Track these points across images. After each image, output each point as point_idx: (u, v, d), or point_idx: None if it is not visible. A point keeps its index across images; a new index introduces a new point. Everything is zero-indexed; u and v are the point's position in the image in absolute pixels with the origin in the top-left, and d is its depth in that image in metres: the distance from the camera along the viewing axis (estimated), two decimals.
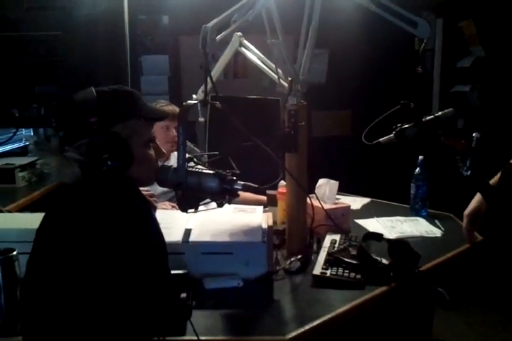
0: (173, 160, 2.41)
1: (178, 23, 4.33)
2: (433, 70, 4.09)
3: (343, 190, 2.61)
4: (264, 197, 2.25)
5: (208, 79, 1.38)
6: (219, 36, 1.47)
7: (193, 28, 2.11)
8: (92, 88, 1.23)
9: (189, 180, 1.32)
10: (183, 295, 1.41)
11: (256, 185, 1.35)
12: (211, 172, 1.34)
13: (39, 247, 1.20)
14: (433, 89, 4.13)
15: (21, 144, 3.73)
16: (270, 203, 2.18)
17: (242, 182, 1.34)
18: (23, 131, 3.84)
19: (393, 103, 1.94)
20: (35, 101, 1.44)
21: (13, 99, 1.47)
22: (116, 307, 1.12)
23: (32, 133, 3.89)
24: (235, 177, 1.34)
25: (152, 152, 1.30)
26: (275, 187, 2.10)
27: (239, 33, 2.22)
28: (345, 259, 1.68)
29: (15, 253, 1.43)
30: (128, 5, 3.85)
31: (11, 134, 3.24)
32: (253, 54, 2.19)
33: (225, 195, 1.34)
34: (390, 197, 2.63)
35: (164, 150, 2.02)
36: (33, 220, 1.27)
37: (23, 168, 2.99)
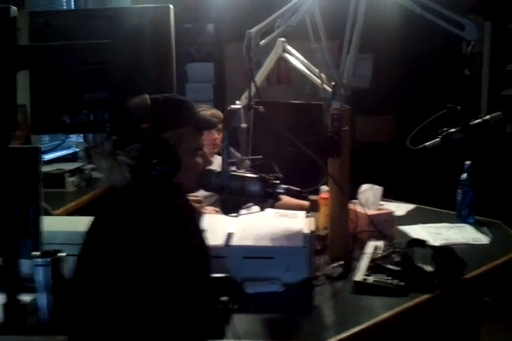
0: (215, 164, 2.45)
1: (222, 31, 4.40)
2: (481, 73, 3.99)
3: (387, 196, 2.58)
4: (307, 202, 2.25)
5: (252, 85, 1.39)
6: (263, 41, 1.49)
7: (237, 36, 2.14)
8: (146, 95, 1.27)
9: (232, 184, 1.34)
10: (224, 298, 1.42)
11: (298, 189, 1.35)
12: (254, 176, 1.35)
13: (87, 249, 1.24)
14: (481, 92, 4.02)
15: (71, 150, 3.87)
16: (312, 208, 2.17)
17: (284, 186, 1.34)
18: (73, 138, 3.98)
19: (439, 107, 1.91)
20: (85, 107, 1.49)
21: (64, 106, 1.53)
22: (159, 311, 1.14)
23: (82, 140, 4.03)
24: (277, 181, 1.34)
25: (200, 160, 1.32)
26: (317, 192, 2.09)
27: (282, 39, 2.23)
28: (388, 266, 1.66)
29: (63, 254, 1.48)
30: (174, 13, 3.95)
31: (60, 141, 3.38)
32: (296, 59, 2.19)
33: (267, 199, 1.35)
34: (436, 203, 2.57)
35: (207, 152, 2.05)
36: (80, 223, 1.31)
37: (72, 172, 3.09)
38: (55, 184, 3.01)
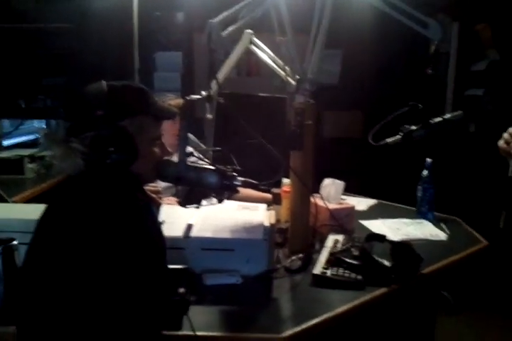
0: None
1: (192, 20, 4.34)
2: (447, 73, 4.06)
3: (351, 190, 2.60)
4: (270, 195, 2.24)
5: (214, 76, 1.37)
6: (225, 32, 1.47)
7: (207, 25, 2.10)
8: (103, 82, 1.24)
9: (189, 175, 1.32)
10: (182, 290, 1.41)
11: (256, 182, 1.35)
12: (211, 167, 1.33)
13: (38, 238, 1.20)
14: (447, 92, 4.09)
15: (32, 137, 3.77)
16: (275, 201, 2.17)
17: (241, 179, 1.34)
18: (36, 123, 3.88)
19: (407, 105, 1.93)
20: (42, 92, 1.44)
21: (21, 90, 1.47)
22: (112, 301, 1.12)
23: (45, 126, 3.93)
24: (235, 174, 1.33)
25: (157, 149, 1.30)
26: (279, 185, 2.09)
27: (249, 31, 2.21)
28: (347, 259, 1.67)
29: (15, 242, 1.44)
30: (143, 1, 3.88)
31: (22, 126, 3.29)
32: (263, 52, 2.18)
33: (224, 191, 1.34)
34: (397, 199, 2.61)
35: (170, 143, 2.02)
36: (36, 211, 1.28)
37: (32, 159, 3.01)
38: (13, 170, 2.94)
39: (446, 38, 4.29)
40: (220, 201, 1.38)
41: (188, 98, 1.35)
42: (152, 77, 4.63)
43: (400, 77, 4.24)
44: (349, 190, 2.58)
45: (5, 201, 2.11)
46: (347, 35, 4.13)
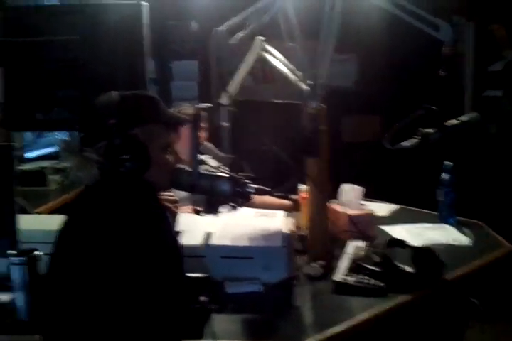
0: None
1: (206, 29, 4.37)
2: (464, 74, 4.02)
3: (371, 196, 2.57)
4: (289, 202, 2.24)
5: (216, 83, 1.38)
6: (232, 40, 1.47)
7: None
8: (114, 92, 1.25)
9: (202, 183, 1.33)
10: (203, 298, 1.41)
11: (268, 189, 1.35)
12: (224, 175, 1.34)
13: (58, 247, 1.22)
14: (465, 93, 4.04)
15: (55, 148, 3.82)
16: (295, 208, 2.16)
17: (254, 186, 1.33)
18: (58, 135, 3.93)
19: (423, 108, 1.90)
20: (58, 104, 1.47)
21: (37, 102, 1.50)
22: (133, 309, 1.13)
23: (66, 138, 3.98)
24: (248, 181, 1.33)
25: (170, 157, 1.31)
26: (296, 192, 2.08)
27: (261, 37, 2.21)
28: (368, 266, 1.65)
29: (38, 253, 1.46)
30: (157, 11, 3.92)
31: (44, 138, 3.34)
32: (275, 59, 2.17)
33: (238, 198, 1.34)
34: (419, 203, 2.57)
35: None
36: (58, 222, 1.29)
37: (54, 170, 3.04)
38: (36, 182, 2.96)
39: (461, 38, 4.26)
40: (234, 208, 1.38)
41: (196, 107, 1.36)
42: (169, 86, 4.69)
43: (417, 79, 4.21)
44: (369, 196, 2.56)
45: (28, 213, 2.14)
46: (362, 39, 4.12)
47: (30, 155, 3.27)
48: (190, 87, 4.59)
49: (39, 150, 3.45)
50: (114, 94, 1.25)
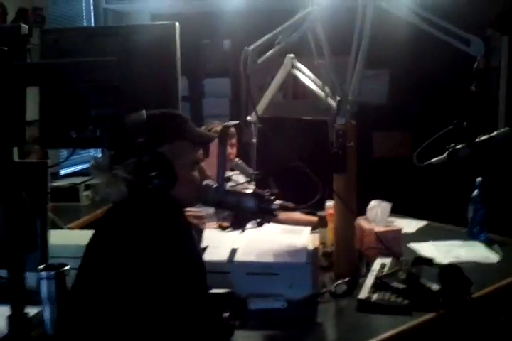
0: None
1: (238, 47, 4.44)
2: (498, 89, 3.96)
3: (401, 212, 2.55)
4: (315, 218, 2.24)
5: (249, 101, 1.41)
6: (261, 59, 1.51)
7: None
8: (144, 111, 1.30)
9: (228, 199, 1.35)
10: (226, 314, 1.42)
11: (293, 205, 1.36)
12: (249, 191, 1.36)
13: (86, 262, 1.25)
14: (499, 108, 3.98)
15: (88, 165, 3.92)
16: (321, 224, 2.16)
17: (279, 202, 1.35)
18: (92, 152, 4.05)
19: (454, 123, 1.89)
20: (91, 123, 1.52)
21: (71, 121, 1.57)
22: (157, 324, 1.15)
23: (100, 155, 4.10)
24: (272, 197, 1.35)
25: (197, 174, 1.33)
26: (323, 208, 2.08)
27: (291, 55, 2.25)
28: (393, 284, 1.64)
29: (67, 268, 1.50)
30: (191, 30, 4.01)
31: (78, 156, 3.44)
32: (305, 76, 2.20)
33: (263, 215, 1.36)
34: (448, 219, 2.53)
35: None
36: (88, 237, 1.33)
37: (87, 187, 3.13)
38: (69, 198, 3.06)
39: (495, 52, 4.19)
40: (260, 224, 1.40)
41: (224, 124, 1.39)
42: (201, 103, 4.77)
43: (449, 95, 4.17)
44: (399, 212, 2.53)
45: (60, 228, 2.20)
46: (393, 55, 4.11)
47: (63, 171, 3.37)
48: (222, 104, 4.67)
49: (73, 166, 3.56)
50: (143, 113, 1.28)
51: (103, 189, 1.26)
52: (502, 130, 1.83)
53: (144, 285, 1.14)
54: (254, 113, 2.55)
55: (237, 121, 1.63)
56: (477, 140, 1.81)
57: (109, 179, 1.24)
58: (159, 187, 1.24)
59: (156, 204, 1.25)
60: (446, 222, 2.52)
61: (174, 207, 1.28)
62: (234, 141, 2.70)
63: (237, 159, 2.56)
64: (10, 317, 1.49)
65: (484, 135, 1.85)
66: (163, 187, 1.24)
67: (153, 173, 1.22)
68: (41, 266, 1.50)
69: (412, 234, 2.36)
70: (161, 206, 1.25)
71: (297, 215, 2.57)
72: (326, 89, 1.86)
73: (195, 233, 1.33)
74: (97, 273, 1.19)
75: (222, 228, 1.46)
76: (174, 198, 1.28)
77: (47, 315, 1.50)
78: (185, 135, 1.30)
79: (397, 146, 4.51)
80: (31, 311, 1.54)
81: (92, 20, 4.16)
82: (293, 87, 4.53)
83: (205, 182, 1.42)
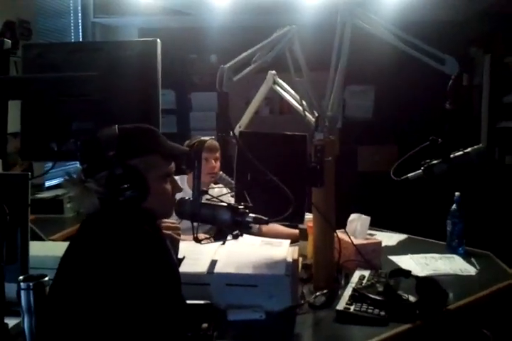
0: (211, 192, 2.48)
1: (225, 62, 4.50)
2: (480, 106, 4.03)
3: (382, 225, 2.58)
4: (296, 231, 2.26)
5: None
6: (236, 77, 1.55)
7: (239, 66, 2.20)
8: (116, 125, 1.32)
9: (203, 212, 1.38)
10: (205, 325, 1.43)
11: (266, 218, 1.39)
12: (224, 204, 1.38)
13: (60, 274, 1.27)
14: (481, 125, 4.05)
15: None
16: (301, 237, 2.19)
17: (253, 215, 1.37)
18: (79, 164, 4.05)
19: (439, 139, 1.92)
20: (73, 136, 1.55)
21: (52, 134, 1.59)
22: (131, 335, 1.16)
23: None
24: (247, 210, 1.37)
25: (169, 186, 1.35)
26: (301, 221, 2.10)
27: (273, 72, 2.30)
28: (370, 295, 1.66)
29: (46, 279, 1.50)
30: (179, 45, 4.07)
31: (65, 168, 3.45)
32: (286, 92, 2.25)
33: (237, 227, 1.38)
34: (428, 233, 2.57)
35: (204, 181, 2.08)
36: None
37: (71, 198, 3.13)
38: (53, 209, 3.06)
39: (478, 70, 4.27)
40: (236, 237, 1.42)
41: (198, 139, 1.42)
42: (188, 117, 4.81)
43: (433, 111, 4.24)
44: (382, 225, 2.57)
45: (42, 239, 2.20)
46: (379, 72, 4.18)
47: (49, 183, 3.38)
48: (209, 118, 4.71)
49: (58, 178, 3.57)
50: (115, 128, 1.31)
51: (76, 202, 1.28)
52: (476, 146, 1.88)
53: (117, 295, 1.15)
54: (237, 127, 2.60)
55: (213, 137, 1.66)
56: (452, 155, 1.86)
57: (81, 192, 1.26)
58: (131, 199, 1.26)
59: (127, 215, 1.26)
60: (426, 235, 2.56)
61: (146, 218, 1.29)
62: (218, 154, 2.73)
63: (221, 172, 2.60)
64: None
65: (459, 151, 1.89)
66: (134, 199, 1.26)
67: (125, 186, 1.24)
68: (21, 277, 1.51)
69: (393, 246, 2.40)
70: (132, 217, 1.27)
71: (279, 228, 2.60)
72: (305, 104, 1.90)
73: (170, 244, 1.35)
74: (70, 284, 1.20)
75: (196, 240, 1.47)
76: (147, 210, 1.30)
77: (26, 325, 1.50)
78: (156, 148, 1.32)
79: (382, 161, 4.56)
80: (11, 322, 1.55)
81: (80, 34, 4.20)
82: (279, 102, 4.60)
83: (180, 196, 1.44)
